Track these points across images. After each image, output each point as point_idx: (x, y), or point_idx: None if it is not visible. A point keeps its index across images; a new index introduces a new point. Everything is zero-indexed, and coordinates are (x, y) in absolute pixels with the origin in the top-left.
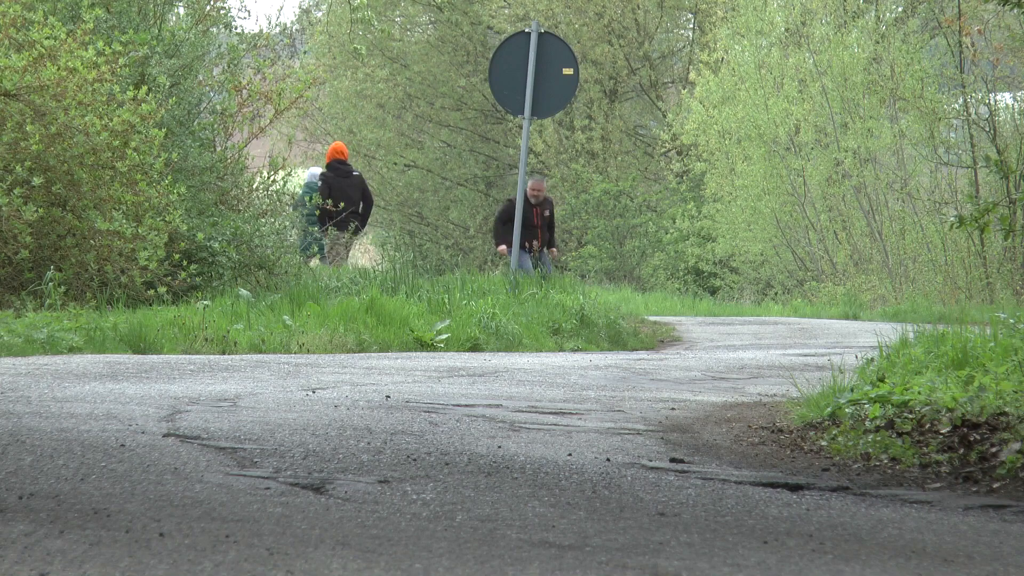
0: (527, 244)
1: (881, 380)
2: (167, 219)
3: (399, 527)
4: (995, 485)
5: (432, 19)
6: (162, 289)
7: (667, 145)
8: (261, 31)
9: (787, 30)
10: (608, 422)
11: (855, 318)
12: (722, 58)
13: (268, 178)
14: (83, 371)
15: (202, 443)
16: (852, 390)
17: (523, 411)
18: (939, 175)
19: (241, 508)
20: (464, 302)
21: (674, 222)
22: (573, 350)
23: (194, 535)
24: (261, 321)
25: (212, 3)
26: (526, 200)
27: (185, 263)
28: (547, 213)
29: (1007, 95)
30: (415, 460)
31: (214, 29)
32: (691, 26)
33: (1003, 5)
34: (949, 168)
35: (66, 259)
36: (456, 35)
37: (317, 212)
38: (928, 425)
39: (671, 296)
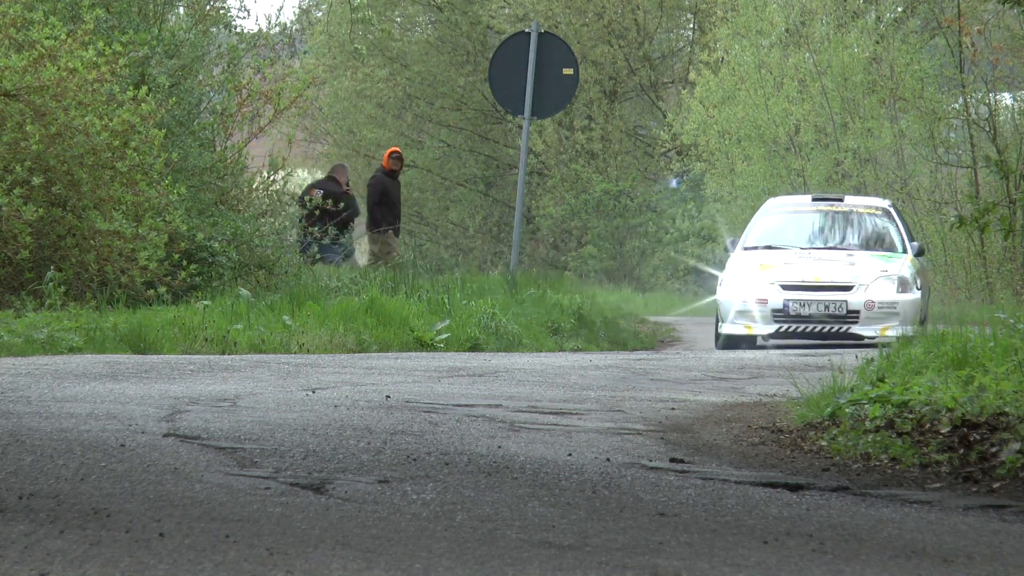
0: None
1: (881, 380)
2: (167, 219)
3: (399, 527)
4: (995, 485)
5: (432, 19)
6: (162, 289)
7: (667, 145)
8: (261, 31)
9: (787, 30)
10: (608, 422)
11: None
12: (722, 58)
13: (268, 178)
14: (83, 371)
15: (202, 443)
16: (852, 390)
17: (523, 411)
18: (939, 175)
19: (241, 508)
20: (464, 302)
21: (674, 222)
22: (573, 350)
23: (194, 535)
24: (261, 321)
25: (212, 3)
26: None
27: (185, 263)
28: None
29: (1007, 95)
30: (415, 460)
31: (214, 29)
32: (691, 26)
33: (1003, 5)
34: (949, 168)
35: (66, 259)
36: (456, 35)
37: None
38: (928, 425)
39: (671, 296)
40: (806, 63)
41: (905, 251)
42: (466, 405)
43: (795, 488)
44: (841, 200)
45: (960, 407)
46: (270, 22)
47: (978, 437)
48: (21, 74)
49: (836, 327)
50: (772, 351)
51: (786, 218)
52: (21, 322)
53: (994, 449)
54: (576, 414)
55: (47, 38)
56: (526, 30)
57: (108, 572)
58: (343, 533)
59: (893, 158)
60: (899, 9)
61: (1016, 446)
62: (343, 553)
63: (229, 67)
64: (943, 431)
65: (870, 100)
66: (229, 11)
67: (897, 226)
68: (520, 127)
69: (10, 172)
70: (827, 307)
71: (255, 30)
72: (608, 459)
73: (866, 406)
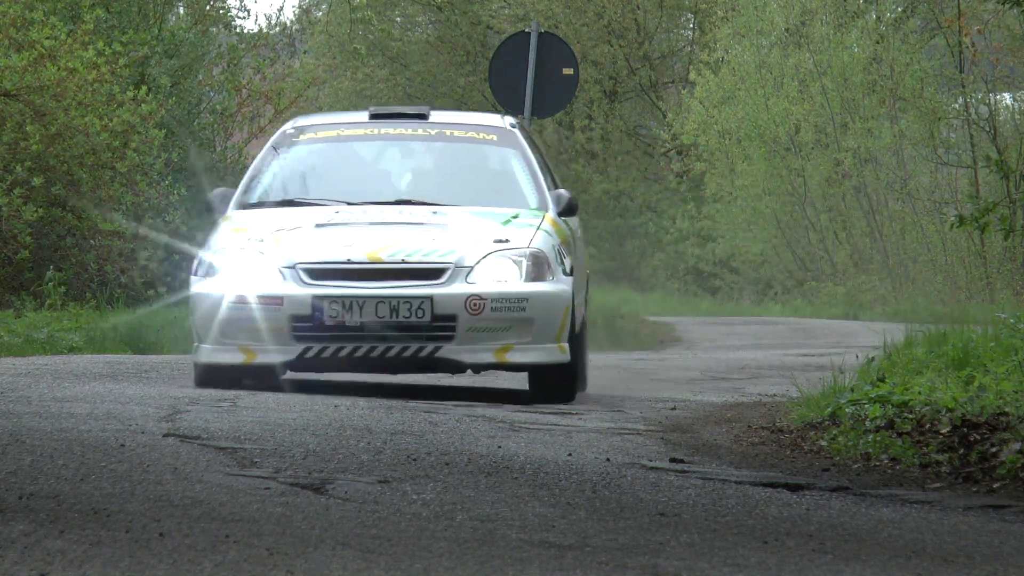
0: None
1: (881, 380)
2: (167, 219)
3: (399, 527)
4: (995, 485)
5: (432, 19)
6: (162, 289)
7: (667, 145)
8: (261, 31)
9: (787, 30)
10: (608, 422)
11: (855, 318)
12: (722, 58)
13: None
14: (83, 371)
15: (202, 443)
16: (852, 390)
17: (523, 411)
18: (939, 175)
19: (241, 508)
20: None
21: (674, 222)
22: None
23: (194, 535)
24: None
25: (212, 3)
26: None
27: (185, 263)
28: None
29: (1007, 95)
30: (415, 460)
31: (214, 29)
32: (691, 26)
33: (1003, 5)
34: (949, 168)
35: (66, 259)
36: (456, 35)
37: None
38: (928, 425)
39: (671, 296)
40: (806, 63)
41: (542, 206)
42: (466, 405)
43: (795, 488)
44: (424, 118)
45: (960, 407)
46: (270, 22)
47: (978, 437)
48: (21, 74)
49: (412, 348)
50: (772, 351)
51: (324, 150)
52: (21, 322)
53: (994, 449)
54: (576, 414)
55: (47, 38)
56: (526, 30)
57: (108, 572)
58: (343, 533)
59: (893, 158)
60: (899, 9)
61: (1016, 446)
62: (343, 553)
63: (229, 67)
64: (943, 431)
65: (870, 100)
66: (229, 11)
67: (528, 162)
68: None
69: (10, 172)
70: (394, 310)
71: (255, 30)
72: (608, 459)
73: (866, 406)
